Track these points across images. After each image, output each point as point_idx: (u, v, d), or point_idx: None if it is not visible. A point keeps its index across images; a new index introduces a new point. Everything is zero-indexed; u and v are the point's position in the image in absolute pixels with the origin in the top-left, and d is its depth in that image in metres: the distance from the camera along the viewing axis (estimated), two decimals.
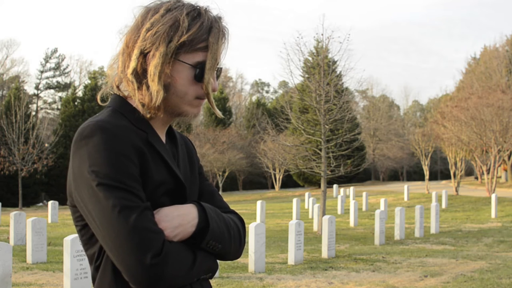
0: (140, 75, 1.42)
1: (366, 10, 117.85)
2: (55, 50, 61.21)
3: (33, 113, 47.66)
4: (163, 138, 1.53)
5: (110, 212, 1.31)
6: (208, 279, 1.54)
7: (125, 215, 1.30)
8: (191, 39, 1.41)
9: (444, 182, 53.42)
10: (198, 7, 1.45)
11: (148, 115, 1.46)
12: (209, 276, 1.52)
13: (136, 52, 1.41)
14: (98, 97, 1.53)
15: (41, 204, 40.42)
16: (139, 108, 1.45)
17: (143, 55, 1.41)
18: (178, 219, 1.41)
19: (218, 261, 1.55)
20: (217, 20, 1.47)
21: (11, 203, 35.77)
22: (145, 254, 1.29)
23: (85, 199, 1.35)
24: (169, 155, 1.50)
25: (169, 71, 1.42)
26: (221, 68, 1.53)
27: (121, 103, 1.48)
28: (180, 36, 1.40)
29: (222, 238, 1.48)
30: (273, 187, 53.75)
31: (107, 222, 1.31)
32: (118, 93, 1.50)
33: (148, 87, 1.42)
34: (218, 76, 1.53)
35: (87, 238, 1.44)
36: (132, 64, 1.41)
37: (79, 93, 48.94)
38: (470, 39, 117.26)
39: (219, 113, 1.63)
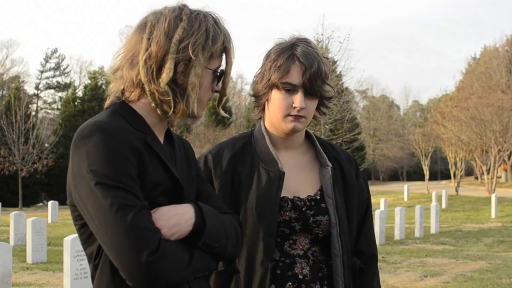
0: (172, 86, 1.47)
1: (368, 9, 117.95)
2: (55, 50, 61.18)
3: (33, 113, 47.65)
4: (161, 139, 1.56)
5: (107, 211, 1.32)
6: (206, 278, 1.55)
7: (122, 214, 1.32)
8: (217, 48, 1.50)
9: (444, 182, 53.50)
10: (215, 16, 1.53)
11: (176, 122, 1.53)
12: (207, 275, 1.53)
13: (170, 63, 1.44)
14: (108, 103, 1.55)
15: (41, 204, 40.42)
16: (145, 109, 1.49)
17: (177, 65, 1.46)
18: (175, 219, 1.43)
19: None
20: (223, 22, 1.55)
21: (11, 203, 35.73)
22: (142, 252, 1.31)
23: (83, 198, 1.37)
24: (167, 156, 1.52)
25: None
26: (223, 71, 1.60)
27: (120, 105, 1.50)
28: (212, 45, 1.48)
29: (218, 238, 1.50)
30: None
31: (104, 221, 1.33)
32: (119, 96, 1.52)
33: (182, 96, 1.47)
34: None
35: (86, 237, 1.46)
36: (169, 74, 1.45)
37: (79, 93, 48.90)
38: (473, 39, 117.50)
39: (223, 113, 1.71)
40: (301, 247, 1.83)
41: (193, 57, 1.45)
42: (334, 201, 1.83)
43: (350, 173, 1.92)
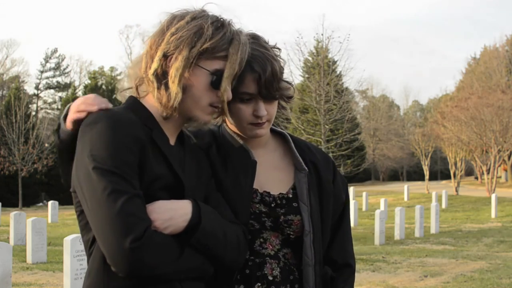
0: (160, 76, 1.50)
1: (368, 9, 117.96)
2: (55, 50, 61.20)
3: (33, 113, 47.61)
4: (173, 140, 1.58)
5: (100, 194, 1.35)
6: (202, 282, 1.51)
7: (114, 198, 1.34)
8: (212, 47, 1.49)
9: (444, 182, 53.50)
10: (222, 19, 1.54)
11: (164, 114, 1.52)
12: (202, 278, 1.50)
13: (159, 54, 1.49)
14: (118, 95, 1.58)
15: (41, 204, 40.41)
16: (154, 106, 1.52)
17: (165, 57, 1.49)
18: (170, 212, 1.43)
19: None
20: (239, 33, 1.55)
21: (11, 203, 35.71)
22: (125, 238, 1.32)
23: (81, 181, 1.40)
24: (172, 154, 1.52)
25: (188, 75, 1.49)
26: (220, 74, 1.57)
27: (134, 102, 1.55)
28: (203, 42, 1.48)
29: (214, 240, 1.48)
30: None
31: (96, 204, 1.35)
32: (134, 94, 1.56)
33: (167, 88, 1.49)
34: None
35: (84, 224, 1.48)
36: (154, 65, 1.49)
37: (79, 93, 48.93)
38: (473, 39, 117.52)
39: (231, 121, 1.70)
40: (271, 247, 1.71)
41: (172, 48, 1.47)
42: (309, 207, 1.71)
43: (327, 177, 1.80)
